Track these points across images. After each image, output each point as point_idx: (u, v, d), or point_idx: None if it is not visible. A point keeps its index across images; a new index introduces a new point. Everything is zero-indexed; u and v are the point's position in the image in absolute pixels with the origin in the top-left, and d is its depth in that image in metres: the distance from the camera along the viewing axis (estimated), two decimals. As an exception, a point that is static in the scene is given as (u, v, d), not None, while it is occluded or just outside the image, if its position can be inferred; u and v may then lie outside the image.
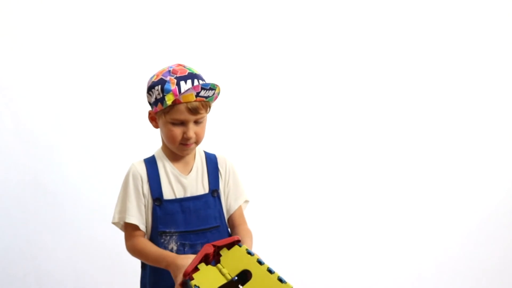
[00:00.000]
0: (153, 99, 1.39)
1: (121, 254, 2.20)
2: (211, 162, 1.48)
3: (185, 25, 2.32)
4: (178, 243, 1.39)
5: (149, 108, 1.45)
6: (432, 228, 2.47)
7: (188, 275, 1.18)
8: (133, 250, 1.41)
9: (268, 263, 1.17)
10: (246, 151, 2.33)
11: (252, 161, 2.33)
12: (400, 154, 2.47)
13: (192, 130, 1.37)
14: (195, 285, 1.15)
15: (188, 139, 1.37)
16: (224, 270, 1.20)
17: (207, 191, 1.44)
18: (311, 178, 2.41)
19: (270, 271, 1.14)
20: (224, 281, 1.17)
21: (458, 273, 2.46)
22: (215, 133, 2.21)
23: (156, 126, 1.45)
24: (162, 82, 1.36)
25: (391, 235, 2.45)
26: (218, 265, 1.21)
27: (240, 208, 1.50)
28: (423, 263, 2.46)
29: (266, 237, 2.33)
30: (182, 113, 1.35)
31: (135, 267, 1.87)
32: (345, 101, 2.44)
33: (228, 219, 1.49)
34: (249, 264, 1.17)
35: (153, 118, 1.44)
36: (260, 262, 1.16)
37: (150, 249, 1.38)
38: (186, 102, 1.34)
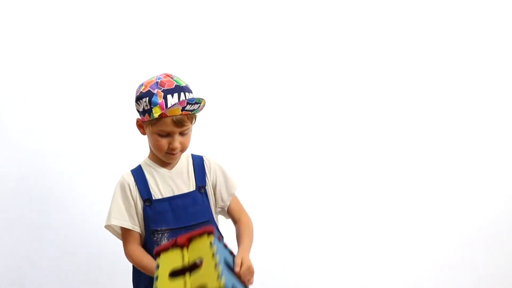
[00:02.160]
0: (141, 109, 1.47)
1: (109, 263, 2.20)
2: (197, 163, 1.56)
3: (175, 28, 2.31)
4: (170, 240, 1.40)
5: (137, 115, 1.53)
6: (432, 231, 2.47)
7: (157, 253, 1.28)
8: (130, 257, 1.49)
9: (224, 257, 1.23)
10: (239, 153, 2.32)
11: (246, 163, 2.33)
12: (400, 157, 2.46)
13: (177, 141, 1.45)
14: (157, 263, 1.25)
15: (173, 149, 1.45)
16: (186, 256, 1.26)
17: (194, 188, 1.51)
18: (309, 179, 2.40)
19: (216, 265, 1.16)
20: (180, 265, 1.23)
21: (458, 276, 2.48)
22: (207, 135, 2.22)
23: (143, 133, 1.53)
24: (149, 94, 1.43)
25: (390, 237, 2.45)
26: (184, 250, 1.29)
27: (234, 199, 1.59)
28: (422, 266, 2.46)
29: (261, 237, 2.32)
30: (168, 126, 1.43)
31: (123, 276, 1.84)
32: (343, 101, 2.44)
33: (229, 213, 1.58)
34: (205, 255, 1.22)
35: (140, 126, 1.52)
36: (213, 255, 1.20)
37: (144, 261, 1.45)
38: (172, 116, 1.41)
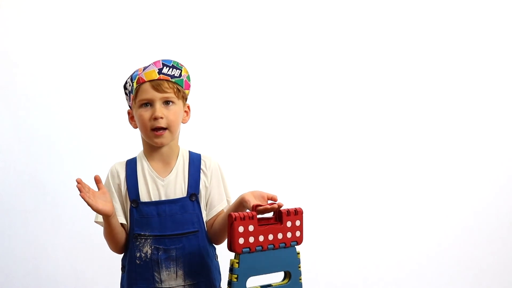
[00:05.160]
0: (128, 96, 1.41)
1: (120, 255, 2.23)
2: (194, 163, 1.42)
3: (178, 26, 2.31)
4: (153, 247, 1.35)
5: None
6: (428, 227, 2.43)
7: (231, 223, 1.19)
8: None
9: None
10: (240, 152, 2.31)
11: (246, 163, 2.31)
12: (398, 155, 2.43)
13: (160, 110, 1.33)
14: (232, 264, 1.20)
15: (156, 119, 1.33)
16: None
17: (185, 194, 1.38)
18: (306, 178, 2.38)
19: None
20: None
21: (456, 270, 2.43)
22: (208, 134, 2.21)
23: (135, 126, 1.42)
24: (132, 74, 1.39)
25: (389, 233, 2.42)
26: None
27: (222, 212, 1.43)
28: (420, 261, 2.42)
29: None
30: (147, 92, 1.34)
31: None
32: (341, 101, 2.42)
33: (212, 221, 1.42)
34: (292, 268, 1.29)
35: (132, 118, 1.42)
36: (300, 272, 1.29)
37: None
38: (150, 81, 1.34)
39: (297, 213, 1.28)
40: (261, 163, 2.33)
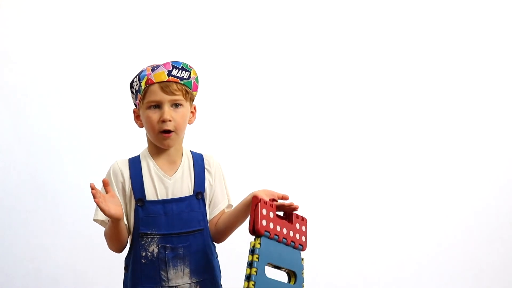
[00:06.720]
0: (134, 94, 1.40)
1: (123, 255, 2.22)
2: (198, 162, 1.43)
3: (177, 25, 2.31)
4: (159, 246, 1.34)
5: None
6: (428, 227, 2.43)
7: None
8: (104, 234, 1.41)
9: None
10: (240, 152, 2.32)
11: (246, 162, 2.31)
12: (398, 156, 2.43)
13: (168, 113, 1.33)
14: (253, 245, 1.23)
15: (164, 121, 1.32)
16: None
17: (191, 193, 1.38)
18: (306, 179, 2.38)
19: None
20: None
21: (456, 270, 2.43)
22: (209, 133, 2.21)
23: (140, 126, 1.42)
24: (139, 73, 1.38)
25: (389, 233, 2.42)
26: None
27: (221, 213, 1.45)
28: (420, 261, 2.42)
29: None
30: (156, 94, 1.33)
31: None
32: (343, 102, 2.42)
33: (216, 220, 1.43)
34: None
35: (137, 117, 1.42)
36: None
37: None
38: (159, 82, 1.33)
39: (303, 220, 1.36)
40: (260, 164, 2.34)
